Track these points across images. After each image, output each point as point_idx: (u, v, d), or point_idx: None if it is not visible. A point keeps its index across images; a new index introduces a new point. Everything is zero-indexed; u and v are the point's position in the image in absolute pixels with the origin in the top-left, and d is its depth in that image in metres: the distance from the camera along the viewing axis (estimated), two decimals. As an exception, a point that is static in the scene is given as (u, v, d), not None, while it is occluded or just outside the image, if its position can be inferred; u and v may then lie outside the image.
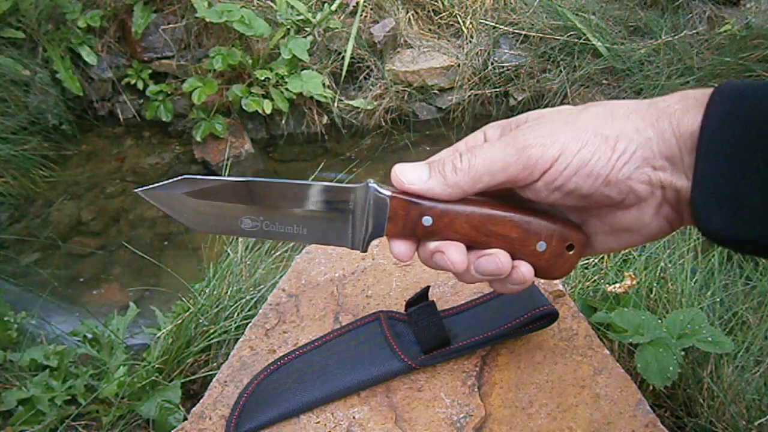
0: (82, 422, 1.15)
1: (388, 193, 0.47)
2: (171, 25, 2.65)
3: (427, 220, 0.46)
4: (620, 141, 0.39)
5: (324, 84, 2.57)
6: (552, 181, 0.41)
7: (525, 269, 0.47)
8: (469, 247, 0.47)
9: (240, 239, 1.44)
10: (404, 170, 0.46)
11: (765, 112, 0.34)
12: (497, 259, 0.46)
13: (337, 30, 2.68)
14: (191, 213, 0.47)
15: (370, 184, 0.47)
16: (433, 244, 0.47)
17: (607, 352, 0.73)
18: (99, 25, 2.56)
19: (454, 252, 0.46)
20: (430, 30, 2.88)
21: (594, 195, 0.41)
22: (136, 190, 0.47)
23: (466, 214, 0.46)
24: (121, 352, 1.26)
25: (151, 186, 0.47)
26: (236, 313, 1.25)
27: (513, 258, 0.47)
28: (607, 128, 0.40)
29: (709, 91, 0.37)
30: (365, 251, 0.49)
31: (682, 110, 0.38)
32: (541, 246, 0.47)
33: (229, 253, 1.41)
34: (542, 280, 0.80)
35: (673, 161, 0.39)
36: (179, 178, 0.46)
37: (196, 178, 0.46)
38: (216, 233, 0.48)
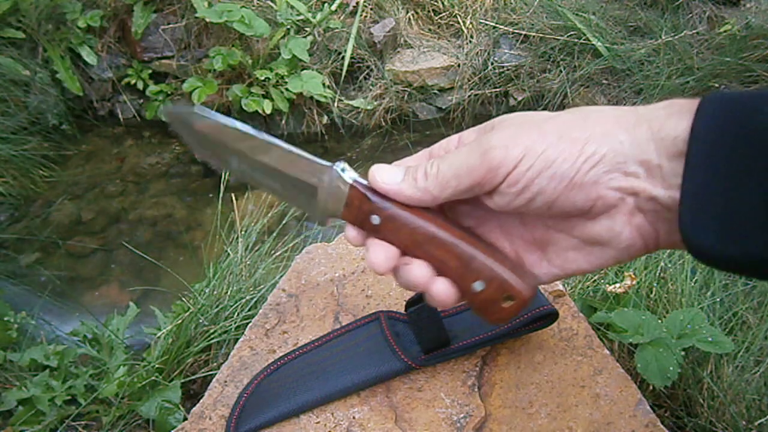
0: (82, 422, 1.15)
1: (349, 181, 0.48)
2: (171, 25, 2.65)
3: (375, 219, 0.47)
4: (588, 143, 0.37)
5: (324, 84, 2.57)
6: (515, 182, 0.39)
7: (442, 289, 0.45)
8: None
9: (240, 240, 1.44)
10: (381, 170, 0.47)
11: (757, 121, 0.32)
12: (414, 273, 0.45)
13: (337, 30, 2.69)
14: (196, 139, 0.50)
15: (335, 167, 0.48)
16: (368, 240, 0.48)
17: (607, 352, 0.73)
18: (99, 25, 2.56)
19: (379, 252, 0.46)
20: (430, 30, 2.88)
21: (559, 200, 0.39)
22: (165, 108, 0.52)
23: (411, 227, 0.46)
24: (121, 352, 1.26)
25: (174, 107, 0.51)
26: (236, 313, 1.25)
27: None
28: (576, 131, 0.38)
29: (698, 100, 0.35)
30: (323, 225, 0.50)
31: (666, 116, 0.36)
32: (478, 286, 0.45)
33: (229, 253, 1.42)
34: (542, 280, 0.80)
35: (649, 167, 0.37)
36: (195, 108, 0.49)
37: (208, 112, 0.49)
38: (212, 163, 0.52)
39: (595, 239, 0.41)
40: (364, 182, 0.48)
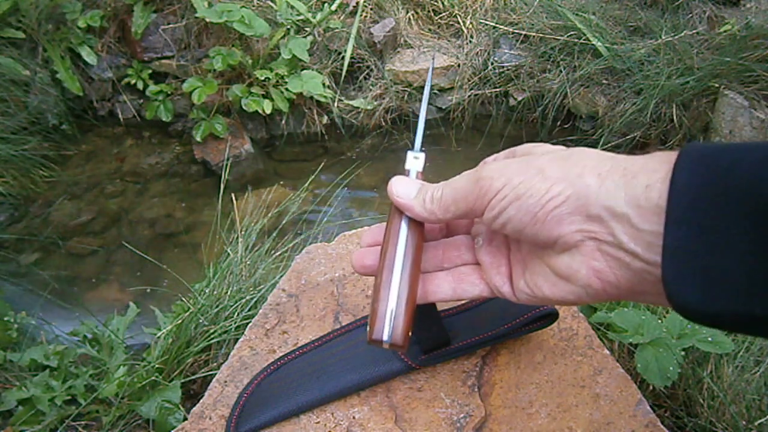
0: (82, 422, 1.15)
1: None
2: (171, 25, 2.65)
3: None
4: (557, 183, 0.39)
5: (324, 84, 2.57)
6: (492, 208, 0.43)
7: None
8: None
9: (240, 240, 1.44)
10: (399, 183, 0.51)
11: (736, 176, 0.32)
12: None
13: (337, 30, 2.69)
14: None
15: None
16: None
17: (607, 352, 0.73)
18: (99, 25, 2.56)
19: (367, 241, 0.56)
20: (430, 30, 2.88)
21: (525, 230, 0.42)
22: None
23: (392, 223, 0.52)
24: (121, 352, 1.26)
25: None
26: (236, 313, 1.25)
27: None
28: (553, 170, 0.40)
29: (675, 153, 0.36)
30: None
31: (642, 164, 0.37)
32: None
33: (229, 253, 1.42)
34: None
35: (614, 214, 0.37)
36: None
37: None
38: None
39: (559, 272, 0.43)
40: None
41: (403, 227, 0.51)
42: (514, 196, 0.41)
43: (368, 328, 0.49)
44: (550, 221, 0.40)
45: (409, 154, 0.54)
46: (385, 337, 0.49)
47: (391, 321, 0.49)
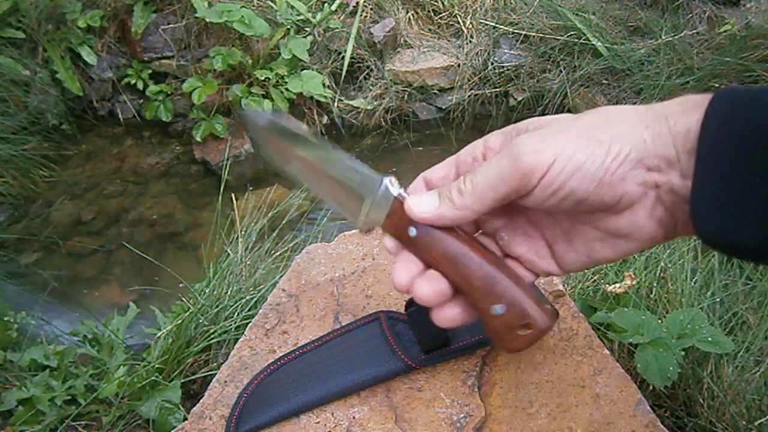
0: (82, 422, 1.15)
1: (395, 193, 0.50)
2: (171, 25, 2.65)
3: (412, 231, 0.49)
4: (614, 143, 0.40)
5: (324, 84, 2.57)
6: (549, 185, 0.41)
7: (450, 313, 0.49)
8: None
9: (240, 240, 1.44)
10: (416, 203, 0.48)
11: (765, 115, 0.34)
12: (428, 289, 0.48)
13: (337, 30, 2.69)
14: (264, 140, 0.56)
15: (384, 179, 0.51)
16: (399, 255, 0.51)
17: (607, 352, 0.73)
18: (99, 25, 2.56)
19: (401, 271, 0.50)
20: (430, 30, 2.88)
21: (589, 199, 0.41)
22: (242, 112, 0.58)
23: (445, 242, 0.48)
24: (121, 352, 1.26)
25: (250, 111, 0.58)
26: (236, 313, 1.25)
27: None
28: (602, 132, 0.40)
29: (710, 95, 0.37)
30: (366, 233, 0.54)
31: (681, 112, 0.38)
32: (498, 309, 0.46)
33: (229, 253, 1.42)
34: (542, 279, 0.80)
35: (669, 161, 0.39)
36: (270, 114, 0.56)
37: (280, 120, 0.55)
38: (272, 164, 0.57)
39: (618, 232, 0.43)
40: (407, 196, 0.50)
41: (449, 237, 0.48)
42: (573, 168, 0.40)
43: (526, 331, 0.47)
44: (615, 182, 0.40)
45: (385, 181, 0.50)
46: (547, 323, 0.47)
47: (540, 308, 0.47)
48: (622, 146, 0.39)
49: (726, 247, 0.36)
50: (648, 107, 0.40)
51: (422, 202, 0.48)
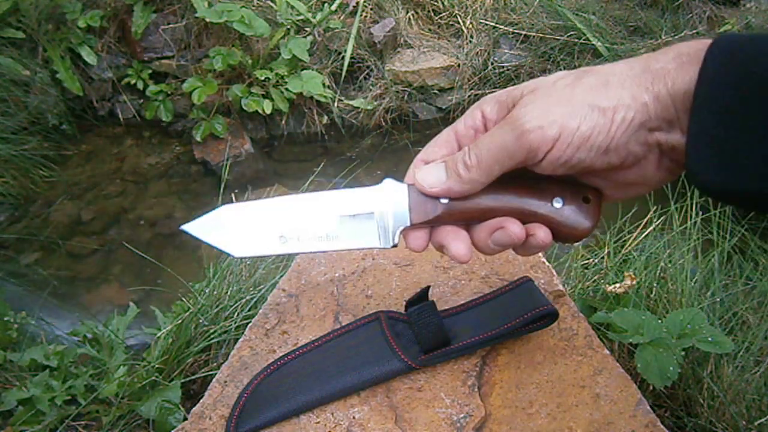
0: (82, 422, 1.15)
1: (406, 183, 0.49)
2: (171, 25, 2.65)
3: (444, 200, 0.48)
4: (618, 111, 0.40)
5: (324, 84, 2.57)
6: (556, 159, 0.42)
7: (542, 234, 0.48)
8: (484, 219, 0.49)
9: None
10: (424, 175, 0.48)
11: (760, 65, 0.34)
12: (509, 232, 0.47)
13: (337, 30, 2.68)
14: (233, 238, 0.50)
15: (386, 180, 0.49)
16: (440, 236, 0.49)
17: (607, 352, 0.73)
18: (99, 25, 2.56)
19: (457, 245, 0.48)
20: (430, 30, 2.88)
21: (595, 164, 0.43)
22: (181, 228, 0.51)
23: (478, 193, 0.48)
24: (121, 352, 1.26)
25: (195, 220, 0.51)
26: (236, 313, 1.25)
27: (534, 220, 0.48)
28: (603, 99, 0.40)
29: (706, 44, 0.37)
30: (396, 245, 0.50)
31: (677, 69, 0.38)
32: (558, 202, 0.48)
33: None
34: (542, 280, 0.80)
35: (670, 121, 0.39)
36: (220, 207, 0.51)
37: (235, 204, 0.51)
38: (258, 255, 0.51)
39: (627, 182, 0.45)
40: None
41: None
42: (580, 140, 0.41)
43: (587, 205, 0.48)
44: (620, 146, 0.41)
45: (387, 180, 0.50)
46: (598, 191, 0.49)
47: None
48: (626, 113, 0.40)
49: (722, 195, 0.37)
50: (643, 66, 0.40)
51: (430, 176, 0.48)
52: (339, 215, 0.49)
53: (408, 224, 0.49)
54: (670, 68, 0.39)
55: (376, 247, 0.50)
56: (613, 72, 0.41)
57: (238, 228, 0.50)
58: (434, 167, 0.48)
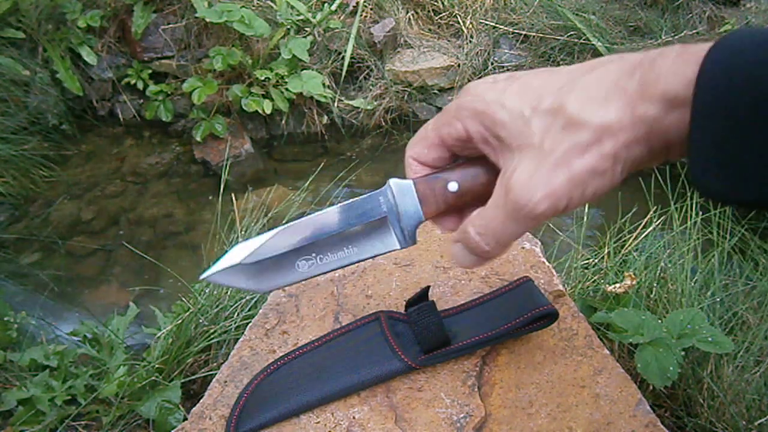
0: (82, 422, 1.15)
1: (410, 181, 0.49)
2: (171, 25, 2.65)
3: (453, 186, 0.48)
4: (617, 163, 0.38)
5: (324, 84, 2.57)
6: (563, 213, 0.41)
7: None
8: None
9: (240, 239, 1.44)
10: (460, 260, 0.47)
11: (757, 71, 0.31)
12: None
13: (337, 30, 2.69)
14: (254, 275, 0.50)
15: (390, 181, 0.49)
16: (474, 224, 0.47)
17: (607, 352, 0.73)
18: (99, 25, 2.56)
19: (497, 227, 0.45)
20: (430, 30, 2.88)
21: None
22: (201, 278, 0.51)
23: (482, 164, 0.47)
24: (121, 352, 1.26)
25: (211, 267, 0.51)
26: (236, 313, 1.25)
27: None
28: (601, 161, 0.38)
29: (702, 52, 0.34)
30: (415, 243, 0.50)
31: (673, 71, 0.35)
32: None
33: (229, 253, 1.41)
34: (542, 280, 0.80)
35: (669, 145, 0.37)
36: (232, 248, 0.50)
37: (246, 242, 0.50)
38: (284, 285, 0.50)
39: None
40: (419, 175, 0.49)
41: (479, 163, 0.47)
42: (585, 200, 0.40)
43: None
44: (625, 171, 0.39)
45: (390, 182, 0.49)
46: None
47: None
48: (625, 160, 0.38)
49: (728, 202, 0.36)
50: (638, 73, 0.37)
51: (461, 260, 0.47)
52: (352, 228, 0.48)
53: (422, 219, 0.48)
54: (667, 68, 0.36)
55: (397, 249, 0.49)
56: (607, 80, 0.38)
57: (256, 264, 0.50)
58: (459, 250, 0.47)
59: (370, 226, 0.49)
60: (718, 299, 1.22)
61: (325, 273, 0.49)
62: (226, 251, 0.50)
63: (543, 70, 0.43)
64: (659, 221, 1.41)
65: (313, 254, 0.49)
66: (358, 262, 0.49)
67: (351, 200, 0.49)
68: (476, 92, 0.44)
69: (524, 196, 0.40)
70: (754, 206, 0.35)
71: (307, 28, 2.66)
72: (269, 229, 0.51)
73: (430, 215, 0.48)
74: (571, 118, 0.38)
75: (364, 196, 0.49)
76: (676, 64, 0.35)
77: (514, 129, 0.41)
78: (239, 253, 0.50)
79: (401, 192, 0.48)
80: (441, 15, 2.86)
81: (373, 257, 0.49)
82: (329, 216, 0.49)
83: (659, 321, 0.98)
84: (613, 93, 0.37)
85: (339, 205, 0.49)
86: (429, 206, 0.48)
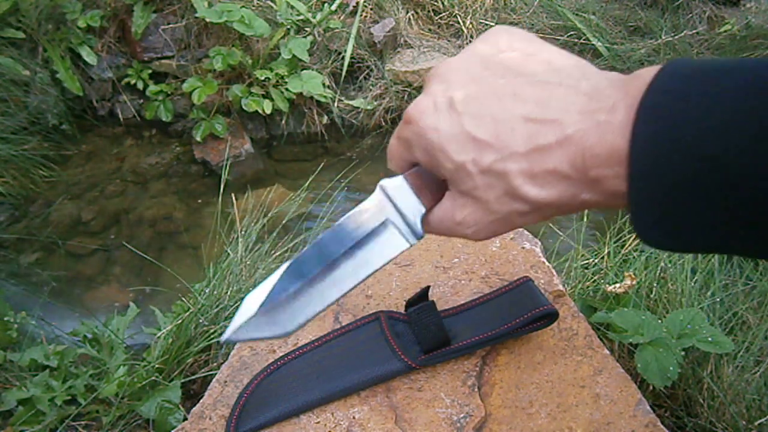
0: (82, 422, 1.15)
1: (400, 177, 0.48)
2: (171, 25, 2.65)
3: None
4: (545, 209, 0.39)
5: (324, 84, 2.57)
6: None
7: None
8: None
9: (239, 240, 1.44)
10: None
11: (687, 130, 0.31)
12: None
13: (337, 30, 2.69)
14: (276, 319, 0.49)
15: (380, 183, 0.48)
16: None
17: (607, 352, 0.73)
18: (99, 25, 2.56)
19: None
20: (430, 30, 2.88)
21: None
22: (222, 341, 0.49)
23: None
24: (121, 352, 1.26)
25: (229, 327, 0.49)
26: (236, 313, 1.24)
27: None
28: (534, 218, 0.40)
29: (632, 117, 0.33)
30: (423, 235, 0.49)
31: (600, 134, 0.35)
32: None
33: (229, 253, 1.42)
34: (542, 280, 0.80)
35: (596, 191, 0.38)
36: (244, 300, 0.49)
37: (256, 290, 0.49)
38: (309, 318, 0.49)
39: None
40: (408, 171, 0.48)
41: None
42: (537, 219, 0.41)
43: None
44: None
45: (380, 183, 0.48)
46: None
47: None
48: (559, 208, 0.39)
49: (671, 251, 0.37)
50: (578, 173, 0.36)
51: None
52: (356, 242, 0.47)
53: (423, 210, 0.47)
54: (591, 135, 0.35)
55: (407, 248, 0.48)
56: (548, 182, 0.38)
57: (273, 310, 0.48)
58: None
59: (373, 235, 0.48)
60: (718, 299, 1.22)
61: (345, 294, 0.48)
62: (239, 308, 0.49)
63: (477, 97, 0.41)
64: (659, 221, 1.41)
65: (327, 280, 0.48)
66: (375, 272, 0.48)
67: (345, 216, 0.48)
68: (418, 128, 0.43)
69: (467, 234, 0.43)
70: (700, 252, 0.36)
71: (307, 28, 2.66)
72: (273, 272, 0.50)
73: (430, 204, 0.47)
74: (514, 190, 0.39)
75: (357, 207, 0.48)
76: (607, 138, 0.34)
77: (458, 179, 0.42)
78: (252, 304, 0.49)
79: (396, 190, 0.47)
80: (441, 15, 2.86)
81: (387, 263, 0.48)
82: (329, 240, 0.48)
83: (659, 321, 0.98)
84: (553, 177, 0.37)
85: (334, 225, 0.48)
86: (426, 195, 0.47)
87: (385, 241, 0.48)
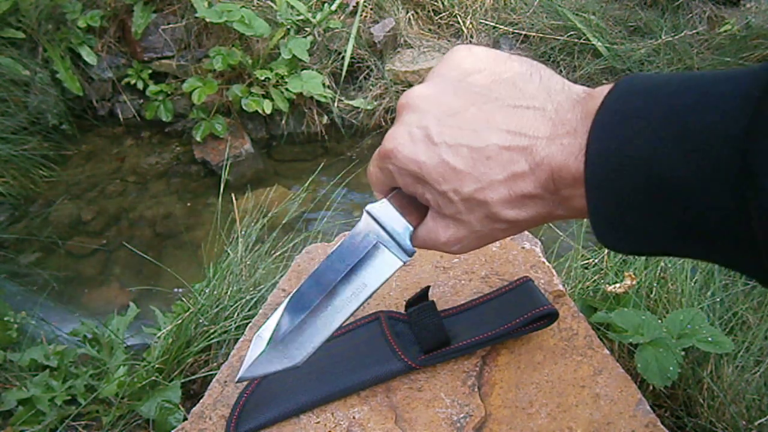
0: (82, 422, 1.15)
1: (384, 200, 0.50)
2: (171, 25, 2.65)
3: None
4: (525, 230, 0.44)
5: (324, 84, 2.57)
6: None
7: None
8: None
9: (240, 240, 1.44)
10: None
11: (635, 146, 0.33)
12: None
13: (337, 30, 2.69)
14: (285, 350, 0.51)
15: (366, 209, 0.50)
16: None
17: (607, 352, 0.73)
18: (99, 25, 2.56)
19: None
20: (430, 30, 2.88)
21: None
22: (237, 380, 0.53)
23: None
24: (121, 352, 1.26)
25: (243, 365, 0.52)
26: (236, 313, 1.25)
27: None
28: (514, 231, 0.43)
29: (586, 130, 0.36)
30: (414, 252, 0.51)
31: (565, 155, 0.38)
32: None
33: (229, 253, 1.42)
34: (542, 280, 0.80)
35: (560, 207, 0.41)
36: (254, 338, 0.52)
37: (263, 325, 0.51)
38: (317, 346, 0.52)
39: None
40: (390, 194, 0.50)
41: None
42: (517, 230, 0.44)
43: None
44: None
45: (366, 208, 0.50)
46: None
47: None
48: (528, 224, 0.42)
49: (628, 254, 0.39)
50: (549, 194, 0.39)
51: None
52: (352, 267, 0.50)
53: (411, 228, 0.49)
54: (557, 155, 0.38)
55: (401, 266, 0.50)
56: (523, 203, 0.41)
57: (281, 343, 0.51)
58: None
59: (367, 258, 0.50)
60: (718, 299, 1.22)
61: (348, 317, 0.50)
62: (250, 348, 0.52)
63: (451, 126, 0.42)
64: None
65: (329, 308, 0.50)
66: (374, 293, 0.50)
67: (337, 245, 0.51)
68: (397, 160, 0.44)
69: (453, 251, 0.46)
70: (646, 255, 0.39)
71: (307, 28, 2.66)
72: (275, 308, 0.52)
73: (416, 221, 0.49)
74: (494, 214, 0.42)
75: (347, 235, 0.51)
76: (570, 162, 0.37)
77: (441, 205, 0.44)
78: (260, 341, 0.51)
79: (382, 212, 0.49)
80: (441, 15, 2.86)
81: (384, 283, 0.50)
82: (325, 269, 0.50)
83: (659, 321, 0.98)
84: (529, 200, 0.40)
85: (328, 254, 0.51)
86: (411, 214, 0.49)
87: (380, 263, 0.50)
